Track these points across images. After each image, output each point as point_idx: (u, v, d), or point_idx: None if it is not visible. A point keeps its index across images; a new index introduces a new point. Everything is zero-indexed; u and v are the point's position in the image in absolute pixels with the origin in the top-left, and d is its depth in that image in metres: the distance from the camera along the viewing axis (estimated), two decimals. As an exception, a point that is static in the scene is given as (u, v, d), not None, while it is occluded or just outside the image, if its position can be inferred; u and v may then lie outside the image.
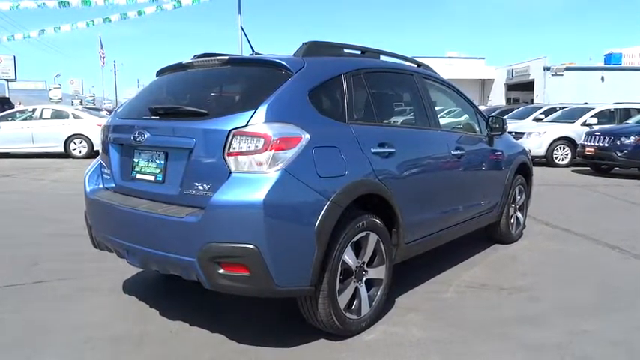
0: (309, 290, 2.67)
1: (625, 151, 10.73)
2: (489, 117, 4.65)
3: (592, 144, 11.35)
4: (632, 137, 10.76)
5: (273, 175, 2.51)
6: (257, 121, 2.56)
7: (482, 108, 10.22)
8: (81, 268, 4.19)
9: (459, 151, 3.97)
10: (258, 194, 2.46)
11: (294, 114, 2.69)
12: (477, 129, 4.54)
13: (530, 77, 33.31)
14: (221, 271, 2.52)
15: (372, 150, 3.04)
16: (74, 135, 14.41)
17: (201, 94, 3.10)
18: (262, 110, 2.59)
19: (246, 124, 2.56)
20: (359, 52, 3.57)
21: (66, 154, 14.36)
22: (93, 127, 14.47)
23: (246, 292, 2.65)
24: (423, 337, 2.99)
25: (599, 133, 11.39)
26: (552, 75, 32.09)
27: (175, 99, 3.17)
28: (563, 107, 15.60)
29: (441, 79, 4.36)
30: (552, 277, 4.14)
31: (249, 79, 2.96)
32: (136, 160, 3.02)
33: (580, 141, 12.08)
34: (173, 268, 2.75)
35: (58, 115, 14.95)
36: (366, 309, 3.02)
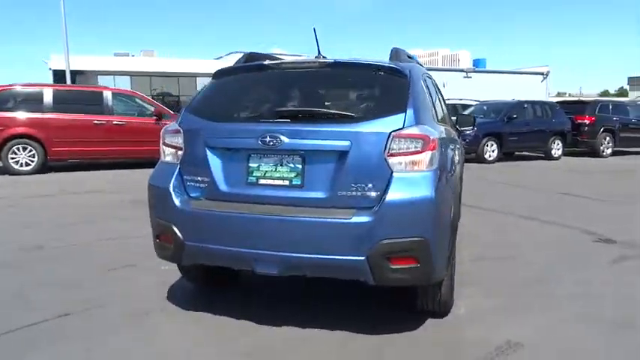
0: (445, 275, 2.97)
1: (466, 140, 12.85)
2: (458, 114, 5.39)
3: (440, 135, 13.29)
4: (471, 128, 12.95)
5: (431, 172, 2.74)
6: (410, 123, 2.76)
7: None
8: (94, 289, 3.68)
9: (458, 145, 4.59)
10: (428, 191, 2.68)
11: (427, 117, 2.95)
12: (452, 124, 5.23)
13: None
14: (391, 266, 2.67)
15: (450, 146, 3.44)
16: None
17: (324, 96, 3.09)
18: (411, 113, 2.79)
19: (403, 127, 2.73)
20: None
21: None
22: None
23: (408, 283, 2.82)
24: (490, 306, 3.49)
25: (444, 125, 13.40)
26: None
27: (292, 101, 3.09)
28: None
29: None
30: (520, 245, 5.07)
31: (372, 83, 3.07)
32: (254, 164, 2.89)
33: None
34: (331, 270, 2.77)
35: None
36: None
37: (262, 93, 3.27)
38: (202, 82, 43.22)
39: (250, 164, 2.90)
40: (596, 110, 15.03)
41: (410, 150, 2.71)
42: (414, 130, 2.75)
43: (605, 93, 75.44)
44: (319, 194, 2.77)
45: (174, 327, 3.21)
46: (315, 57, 3.49)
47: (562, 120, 14.35)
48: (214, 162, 2.96)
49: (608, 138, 14.88)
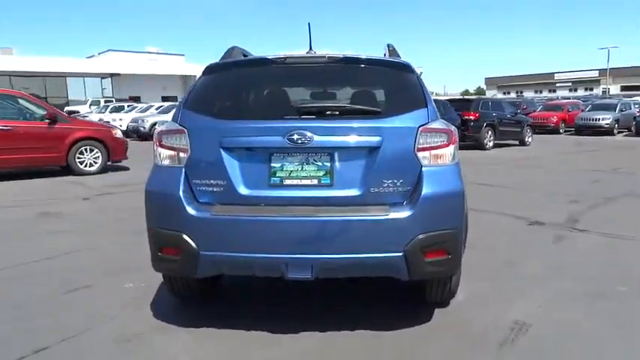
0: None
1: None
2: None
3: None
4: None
5: (455, 165, 2.82)
6: (433, 117, 2.80)
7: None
8: (61, 315, 3.22)
9: None
10: (457, 184, 2.76)
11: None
12: None
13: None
14: (426, 259, 2.68)
15: None
16: None
17: (341, 92, 2.99)
18: (431, 108, 2.83)
19: (428, 121, 2.76)
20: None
21: None
22: None
23: (438, 275, 2.85)
24: (481, 291, 3.68)
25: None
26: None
27: (310, 97, 2.96)
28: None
29: None
30: (471, 232, 5.38)
31: (386, 78, 3.03)
32: (276, 164, 2.72)
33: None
34: (366, 269, 2.71)
35: None
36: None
37: (274, 89, 3.10)
38: (74, 83, 39.85)
39: (273, 164, 2.73)
40: (479, 107, 16.51)
41: (437, 144, 2.76)
42: (439, 125, 2.80)
43: (466, 92, 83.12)
44: (351, 192, 2.70)
45: (178, 347, 2.92)
46: (307, 52, 3.40)
47: (453, 116, 15.49)
48: (231, 163, 2.74)
49: (490, 132, 16.41)
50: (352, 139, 2.70)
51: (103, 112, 27.10)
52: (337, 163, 2.72)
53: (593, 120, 22.10)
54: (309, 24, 3.35)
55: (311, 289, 3.57)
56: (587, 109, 24.13)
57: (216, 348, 2.88)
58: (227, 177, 2.73)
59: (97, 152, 10.48)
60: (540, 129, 22.79)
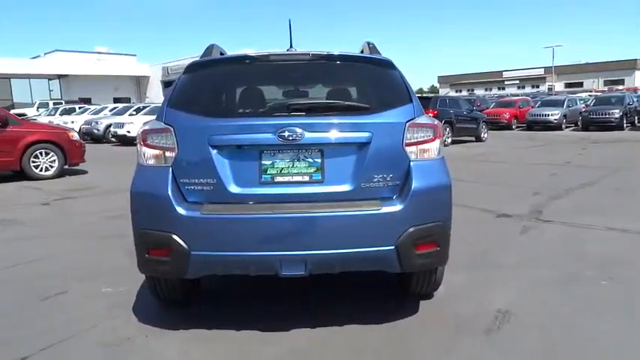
0: None
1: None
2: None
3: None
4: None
5: (441, 159, 2.89)
6: (418, 113, 2.86)
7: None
8: (41, 323, 3.09)
9: None
10: (444, 177, 2.83)
11: None
12: None
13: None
14: (417, 252, 2.74)
15: None
16: None
17: (326, 89, 2.99)
18: (416, 103, 2.90)
19: (415, 116, 2.82)
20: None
21: None
22: None
23: (429, 267, 2.91)
24: (461, 282, 3.78)
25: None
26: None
27: (297, 94, 2.95)
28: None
29: None
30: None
31: (371, 75, 3.04)
32: (267, 162, 2.70)
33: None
34: (358, 264, 2.74)
35: None
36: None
37: (261, 86, 3.08)
38: (18, 85, 38.05)
39: (263, 161, 2.72)
40: (437, 104, 16.88)
41: (424, 139, 2.82)
42: (425, 120, 2.87)
43: (420, 90, 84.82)
44: (342, 187, 2.73)
45: (172, 349, 2.87)
46: (287, 50, 3.40)
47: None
48: (220, 162, 2.71)
49: (448, 129, 16.82)
50: (342, 135, 2.73)
51: (53, 115, 26.02)
52: (328, 159, 2.74)
53: (542, 116, 23.02)
54: (289, 21, 3.37)
55: (299, 286, 3.57)
56: (537, 106, 25.14)
57: (212, 348, 2.85)
58: (217, 175, 2.70)
59: (53, 156, 10.06)
60: (494, 125, 23.48)
